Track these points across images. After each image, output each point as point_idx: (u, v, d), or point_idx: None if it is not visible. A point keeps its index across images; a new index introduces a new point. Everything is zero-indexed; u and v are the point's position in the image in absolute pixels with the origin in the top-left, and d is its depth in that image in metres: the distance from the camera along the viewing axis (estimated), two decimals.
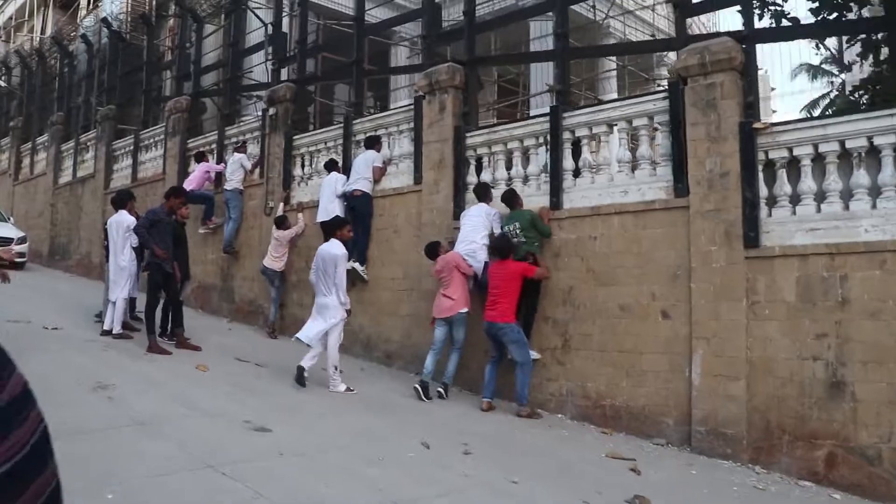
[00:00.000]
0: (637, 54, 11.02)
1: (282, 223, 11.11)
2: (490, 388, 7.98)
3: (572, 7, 9.03)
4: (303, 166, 11.81)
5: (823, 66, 25.42)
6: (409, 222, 9.86)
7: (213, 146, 13.31)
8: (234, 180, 12.10)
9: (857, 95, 9.08)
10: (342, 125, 11.14)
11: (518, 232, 8.10)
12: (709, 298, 7.13)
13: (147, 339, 8.76)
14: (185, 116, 13.97)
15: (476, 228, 8.31)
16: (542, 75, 15.12)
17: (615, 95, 16.96)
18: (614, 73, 16.66)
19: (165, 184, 14.08)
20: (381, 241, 10.23)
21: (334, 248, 8.14)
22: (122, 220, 9.57)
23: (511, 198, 8.38)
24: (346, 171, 10.61)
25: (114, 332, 9.22)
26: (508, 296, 7.81)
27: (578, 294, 8.10)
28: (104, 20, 18.19)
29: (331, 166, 10.64)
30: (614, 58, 16.82)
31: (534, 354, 8.11)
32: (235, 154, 12.35)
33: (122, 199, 9.90)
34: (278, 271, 11.00)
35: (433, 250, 8.57)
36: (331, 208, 10.33)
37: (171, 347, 9.01)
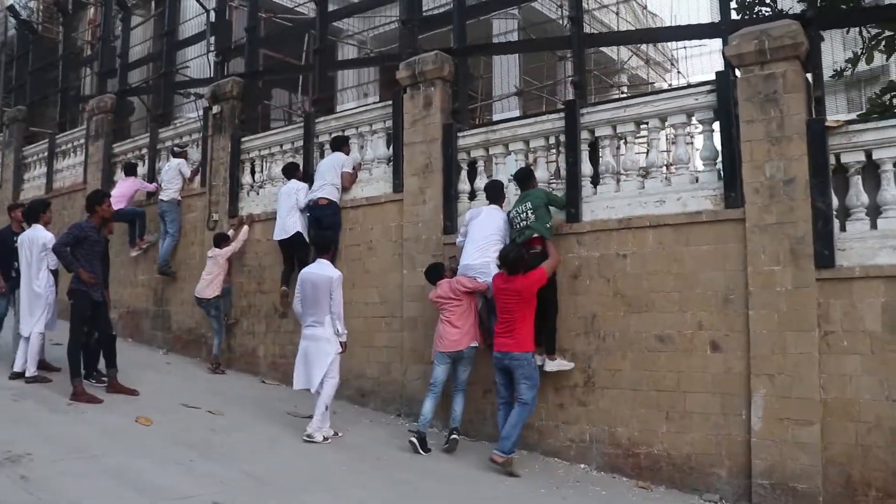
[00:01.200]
0: (666, 41, 9.68)
1: (221, 241, 9.47)
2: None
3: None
4: (253, 173, 10.18)
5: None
6: (388, 237, 8.39)
7: (145, 151, 11.48)
8: (171, 189, 10.35)
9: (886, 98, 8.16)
10: (301, 124, 9.58)
11: (530, 213, 6.78)
12: (772, 328, 5.98)
13: (71, 383, 6.99)
14: (109, 118, 12.06)
15: (489, 239, 6.89)
16: (506, 77, 13.98)
17: None
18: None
19: (86, 195, 12.18)
20: (350, 259, 8.72)
21: (327, 269, 6.89)
22: (37, 237, 7.75)
23: (526, 177, 7.08)
24: (308, 178, 9.08)
25: (27, 374, 7.40)
26: (525, 319, 6.43)
27: (604, 322, 6.83)
28: (10, 8, 15.98)
29: (290, 172, 9.07)
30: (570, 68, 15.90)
31: (565, 364, 6.84)
32: (173, 159, 10.62)
33: (36, 211, 8.02)
34: (210, 298, 9.31)
35: (437, 273, 7.16)
36: (290, 223, 8.78)
37: (100, 391, 7.26)
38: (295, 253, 8.82)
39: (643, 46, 17.02)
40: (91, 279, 7.09)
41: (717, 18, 7.19)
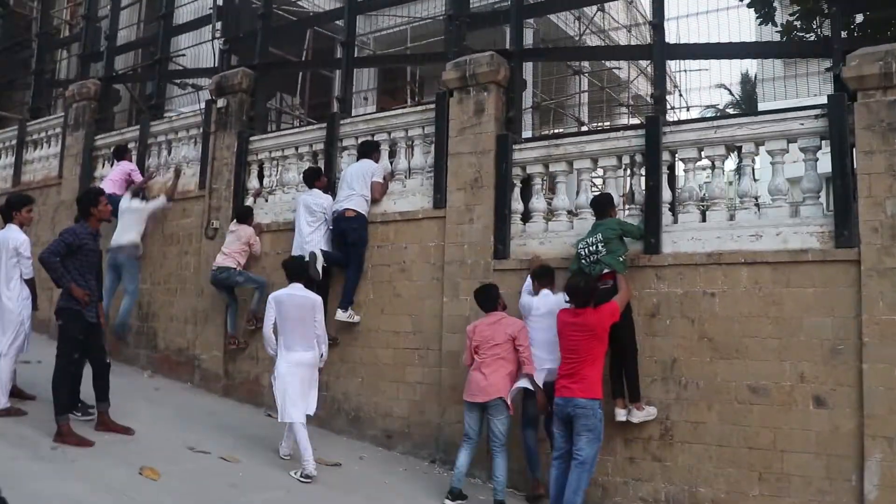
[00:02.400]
0: (770, 58, 8.95)
1: (247, 216, 8.55)
2: None
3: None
4: (261, 177, 9.16)
5: None
6: (425, 258, 7.50)
7: (132, 146, 10.29)
8: (131, 229, 8.91)
9: None
10: (322, 125, 8.61)
11: (601, 246, 6.03)
12: (890, 384, 5.31)
13: (55, 421, 5.88)
14: (92, 106, 10.83)
15: None
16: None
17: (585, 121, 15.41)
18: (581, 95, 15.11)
19: (61, 191, 10.97)
20: (379, 281, 7.79)
21: (307, 292, 6.44)
22: (9, 238, 6.61)
23: (605, 203, 6.31)
24: (331, 186, 8.14)
25: None
26: (594, 360, 5.59)
27: (687, 368, 6.08)
28: None
29: (312, 179, 8.07)
30: (585, 83, 15.30)
31: (651, 412, 6.05)
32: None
33: (10, 207, 6.84)
34: (231, 267, 8.32)
35: (490, 299, 6.30)
36: (311, 239, 7.77)
37: (87, 429, 6.15)
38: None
39: (647, 65, 16.54)
40: (85, 297, 6.01)
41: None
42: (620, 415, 6.05)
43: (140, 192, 9.21)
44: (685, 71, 15.10)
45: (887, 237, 5.43)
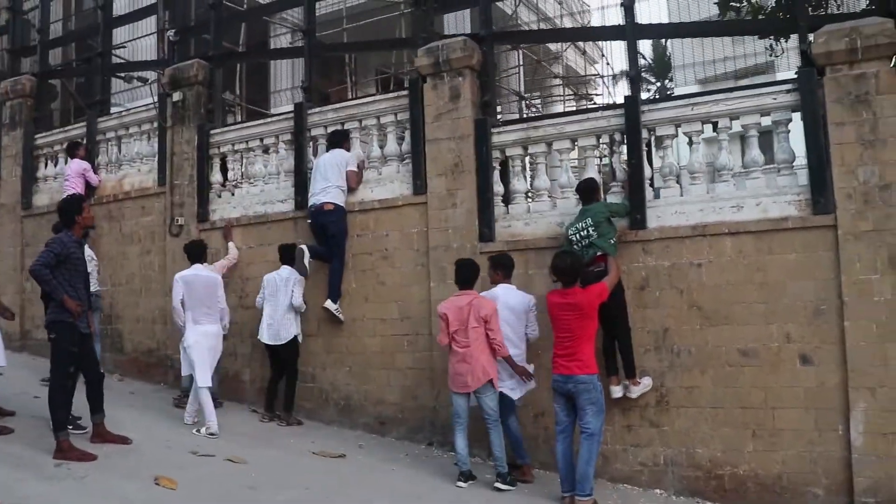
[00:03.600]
0: (739, 36, 9.06)
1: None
2: (571, 477, 5.83)
3: None
4: (224, 171, 8.93)
5: None
6: (408, 245, 7.53)
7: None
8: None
9: None
10: (288, 116, 8.46)
11: (591, 230, 6.20)
12: (870, 339, 5.73)
13: (54, 437, 5.67)
14: (28, 103, 10.27)
15: None
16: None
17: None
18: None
19: (1, 193, 10.41)
20: (361, 270, 7.78)
21: (209, 271, 7.49)
22: None
23: (591, 189, 6.46)
24: (301, 177, 8.04)
25: None
26: (587, 338, 5.76)
27: (678, 337, 6.36)
28: None
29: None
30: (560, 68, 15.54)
31: (648, 384, 6.31)
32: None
33: None
34: None
35: (472, 276, 6.34)
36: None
37: (83, 442, 5.96)
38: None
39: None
40: (78, 308, 5.80)
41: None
42: (616, 392, 6.27)
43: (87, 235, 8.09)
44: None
45: (860, 202, 5.81)
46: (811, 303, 5.96)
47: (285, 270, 7.56)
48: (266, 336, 7.54)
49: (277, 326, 7.48)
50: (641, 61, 27.32)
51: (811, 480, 5.87)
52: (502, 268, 6.51)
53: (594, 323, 5.84)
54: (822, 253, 5.94)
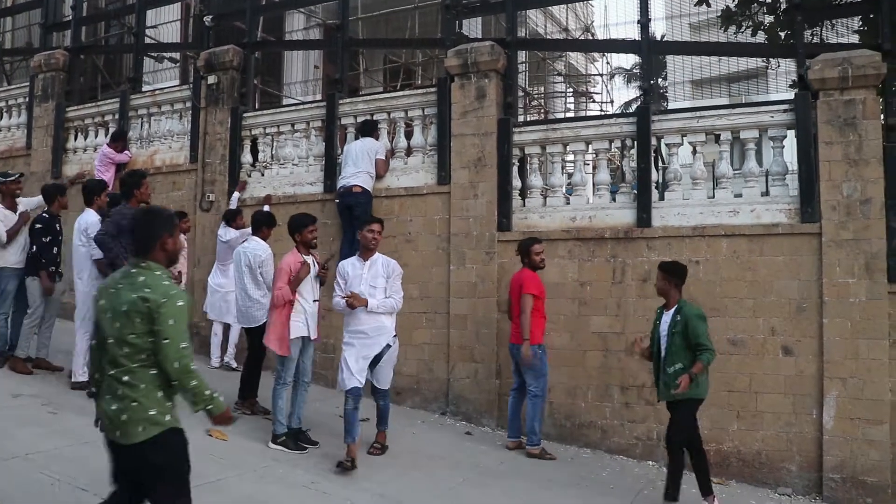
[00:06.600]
0: (744, 57, 9.63)
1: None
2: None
3: None
4: (255, 152, 9.50)
5: None
6: (431, 230, 8.18)
7: (108, 119, 10.34)
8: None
9: None
10: (321, 104, 9.05)
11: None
12: (845, 335, 6.50)
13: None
14: (61, 76, 10.72)
15: None
16: None
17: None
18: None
19: (31, 162, 10.87)
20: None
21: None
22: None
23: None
24: (331, 161, 8.64)
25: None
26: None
27: None
28: None
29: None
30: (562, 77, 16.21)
31: None
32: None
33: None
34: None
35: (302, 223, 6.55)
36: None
37: None
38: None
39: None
40: None
41: None
42: None
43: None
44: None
45: (843, 214, 6.56)
46: (794, 300, 6.71)
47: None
48: None
49: None
50: (635, 59, 28.15)
51: (787, 457, 6.66)
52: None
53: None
54: (807, 257, 6.70)
